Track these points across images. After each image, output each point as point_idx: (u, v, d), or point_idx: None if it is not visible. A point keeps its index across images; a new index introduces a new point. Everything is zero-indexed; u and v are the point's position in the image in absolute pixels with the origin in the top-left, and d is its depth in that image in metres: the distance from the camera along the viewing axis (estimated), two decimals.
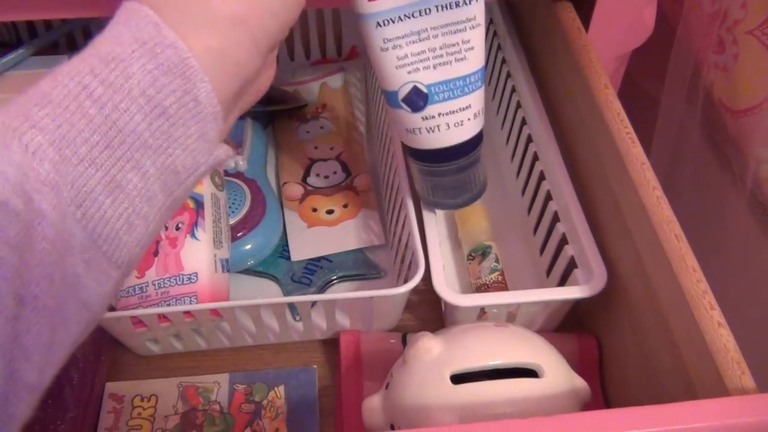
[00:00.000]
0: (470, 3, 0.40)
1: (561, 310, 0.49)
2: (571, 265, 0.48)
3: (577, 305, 0.51)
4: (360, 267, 0.55)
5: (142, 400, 0.49)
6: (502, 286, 0.52)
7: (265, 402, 0.49)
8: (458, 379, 0.39)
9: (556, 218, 0.51)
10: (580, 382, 0.41)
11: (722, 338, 0.35)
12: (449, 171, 0.46)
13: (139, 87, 0.26)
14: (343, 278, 0.54)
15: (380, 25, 0.40)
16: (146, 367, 0.51)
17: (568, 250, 0.48)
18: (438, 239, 0.48)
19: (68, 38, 0.68)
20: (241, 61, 0.30)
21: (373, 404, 0.42)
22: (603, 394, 0.49)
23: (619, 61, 0.63)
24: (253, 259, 0.54)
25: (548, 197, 0.52)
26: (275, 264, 0.55)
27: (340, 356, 0.49)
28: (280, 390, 0.50)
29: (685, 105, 0.70)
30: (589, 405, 0.42)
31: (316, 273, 0.54)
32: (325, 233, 0.56)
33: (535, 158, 0.55)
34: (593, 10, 0.55)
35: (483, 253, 0.53)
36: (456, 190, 0.48)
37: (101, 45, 0.27)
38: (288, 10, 0.31)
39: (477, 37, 0.41)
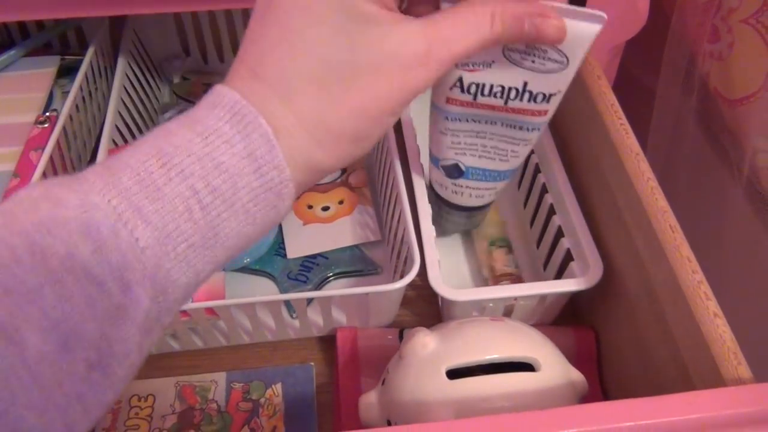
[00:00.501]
0: (531, 131, 0.41)
1: (558, 304, 0.49)
2: (568, 257, 0.48)
3: (574, 298, 0.51)
4: (356, 263, 0.55)
5: (139, 399, 0.49)
6: (519, 279, 0.52)
7: (262, 400, 0.49)
8: (454, 374, 0.39)
9: (552, 211, 0.51)
10: (577, 375, 0.41)
11: (718, 328, 0.35)
12: (462, 214, 0.51)
13: (241, 202, 0.28)
14: (339, 275, 0.54)
15: (448, 119, 0.42)
16: (143, 367, 0.51)
17: (564, 243, 0.48)
18: (433, 234, 0.48)
19: (61, 38, 0.68)
20: (329, 169, 0.32)
21: (370, 400, 0.42)
22: (601, 386, 0.49)
23: (614, 52, 0.63)
24: (249, 257, 0.54)
25: (544, 190, 0.52)
26: (271, 262, 0.55)
27: (337, 353, 0.49)
28: (278, 387, 0.50)
29: (680, 95, 0.70)
30: (587, 398, 0.42)
31: (312, 270, 0.54)
32: (320, 230, 0.56)
33: (531, 151, 0.54)
34: (586, 1, 0.54)
35: (508, 245, 0.54)
36: (466, 222, 0.53)
37: (213, 147, 0.28)
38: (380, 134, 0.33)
39: (525, 151, 0.44)
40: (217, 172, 0.27)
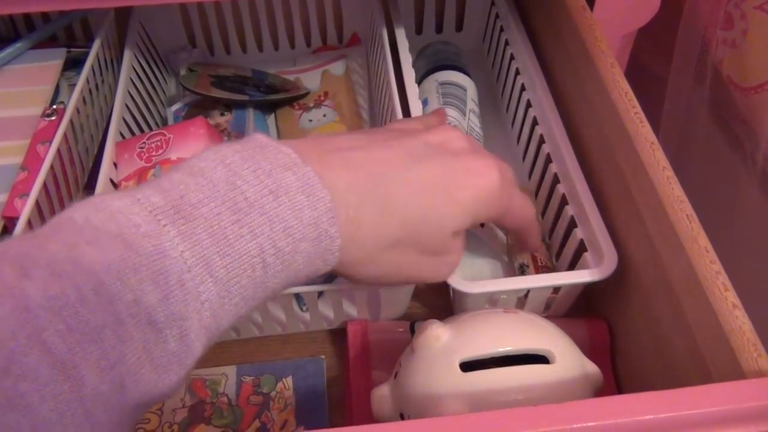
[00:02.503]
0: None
1: (571, 295, 0.48)
2: (581, 248, 0.47)
3: (587, 290, 0.50)
4: None
5: None
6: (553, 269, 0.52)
7: (273, 393, 0.49)
8: (468, 366, 0.38)
9: (564, 201, 0.50)
10: (591, 368, 0.41)
11: (737, 320, 0.35)
12: None
13: (296, 264, 0.30)
14: None
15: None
16: None
17: (578, 233, 0.48)
18: None
19: (67, 31, 0.67)
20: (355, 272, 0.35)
21: (382, 393, 0.41)
22: (615, 379, 0.48)
23: (625, 40, 0.62)
24: None
25: (556, 180, 0.51)
26: None
27: (348, 346, 0.49)
28: (288, 381, 0.49)
29: (693, 83, 0.69)
30: (601, 391, 0.41)
31: None
32: None
33: (542, 141, 0.54)
34: None
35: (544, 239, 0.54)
36: None
37: (285, 208, 0.30)
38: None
39: None
40: (283, 235, 0.29)
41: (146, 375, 0.25)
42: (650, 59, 0.74)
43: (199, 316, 0.26)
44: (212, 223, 0.27)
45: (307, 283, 0.51)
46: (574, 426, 0.30)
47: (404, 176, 0.34)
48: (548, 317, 0.44)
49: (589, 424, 0.30)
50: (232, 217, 0.28)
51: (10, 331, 0.22)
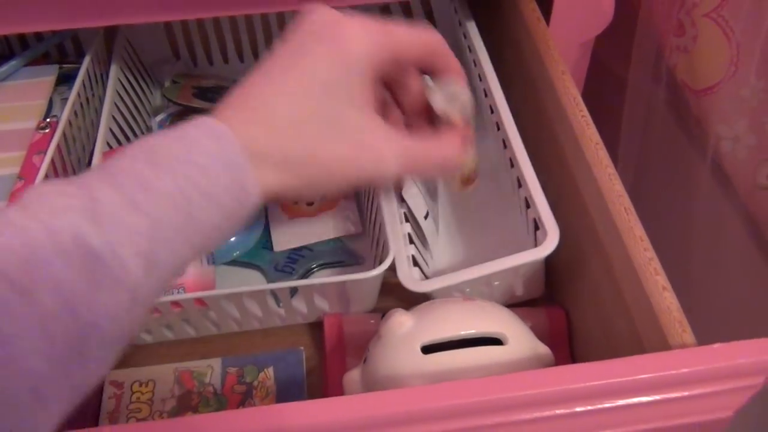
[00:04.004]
0: None
1: (535, 276, 0.52)
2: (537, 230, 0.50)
3: (547, 280, 0.54)
4: (339, 255, 0.58)
5: (140, 385, 0.52)
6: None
7: (255, 383, 0.52)
8: (429, 349, 0.42)
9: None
10: (543, 349, 0.45)
11: (666, 300, 0.39)
12: None
13: (217, 195, 0.33)
14: (323, 266, 0.57)
15: None
16: (144, 355, 0.54)
17: (529, 215, 0.50)
18: (402, 232, 0.51)
19: (58, 48, 0.71)
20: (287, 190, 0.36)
21: (353, 377, 0.45)
22: (573, 361, 0.52)
23: (584, 47, 0.66)
24: (238, 250, 0.57)
25: (517, 184, 0.54)
26: (259, 255, 0.58)
27: (325, 337, 0.52)
28: (270, 371, 0.53)
29: (651, 85, 0.73)
30: None
31: (298, 262, 0.57)
32: (305, 224, 0.59)
33: (503, 147, 0.57)
34: (553, 2, 0.58)
35: None
36: None
37: (195, 153, 0.33)
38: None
39: None
40: (197, 169, 0.32)
41: (90, 296, 0.28)
42: (611, 62, 0.78)
43: (135, 244, 0.30)
44: (131, 172, 0.31)
45: (280, 280, 0.55)
46: (518, 394, 0.34)
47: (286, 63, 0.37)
48: (512, 305, 0.48)
49: (530, 392, 0.34)
50: (149, 165, 0.32)
51: None
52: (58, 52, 0.71)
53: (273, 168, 0.35)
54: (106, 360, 0.30)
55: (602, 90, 0.55)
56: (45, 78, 0.65)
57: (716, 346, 0.35)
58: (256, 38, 0.73)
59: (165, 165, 0.32)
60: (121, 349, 0.31)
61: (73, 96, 0.59)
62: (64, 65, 0.67)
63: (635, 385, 0.35)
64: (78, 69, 0.62)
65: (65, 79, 0.66)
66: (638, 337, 0.41)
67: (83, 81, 0.62)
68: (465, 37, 0.67)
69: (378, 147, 0.38)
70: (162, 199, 0.31)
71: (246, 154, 0.34)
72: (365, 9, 0.45)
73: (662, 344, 0.38)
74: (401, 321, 0.43)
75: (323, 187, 0.38)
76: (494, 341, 0.43)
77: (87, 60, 0.63)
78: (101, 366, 0.30)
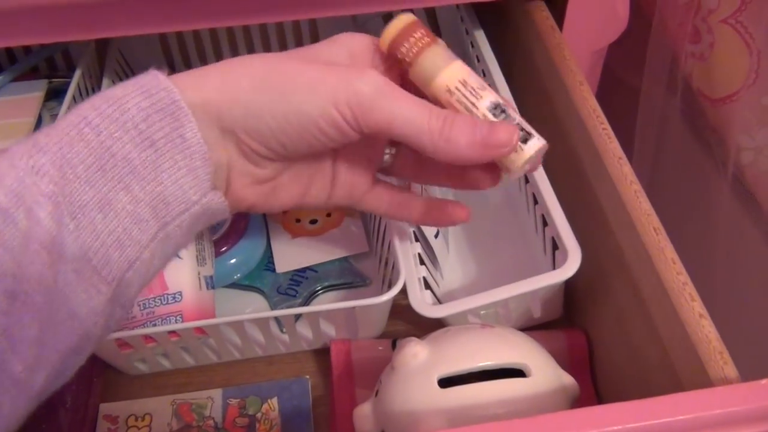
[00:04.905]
0: None
1: (554, 297, 0.49)
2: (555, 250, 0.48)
3: (566, 301, 0.51)
4: (345, 276, 0.55)
5: (136, 419, 0.49)
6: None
7: (259, 415, 0.49)
8: (446, 382, 0.39)
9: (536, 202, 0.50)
10: (568, 379, 0.42)
11: (704, 329, 0.36)
12: None
13: (132, 120, 0.30)
14: (328, 288, 0.55)
15: None
16: (140, 386, 0.51)
17: (547, 233, 0.48)
18: (411, 252, 0.48)
19: (48, 62, 0.68)
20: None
21: (364, 412, 0.42)
22: (595, 389, 0.49)
23: (597, 55, 0.63)
24: (239, 272, 0.54)
25: (534, 200, 0.52)
26: (261, 277, 0.55)
27: (332, 365, 0.50)
28: (274, 402, 0.50)
29: (665, 95, 0.71)
30: (581, 401, 0.42)
31: (301, 284, 0.54)
32: (309, 243, 0.56)
33: None
34: (566, 8, 0.55)
35: None
36: None
37: (107, 90, 0.31)
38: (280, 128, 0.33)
39: None
40: (103, 100, 0.30)
41: (3, 258, 0.26)
42: (624, 71, 0.76)
43: (36, 186, 0.27)
44: (42, 129, 0.30)
45: (285, 305, 0.52)
46: None
47: None
48: (527, 329, 0.45)
49: None
50: (62, 117, 0.30)
51: None
52: (48, 66, 0.68)
53: (217, 92, 0.32)
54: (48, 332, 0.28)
55: (614, 100, 0.53)
56: (34, 93, 0.62)
57: (764, 381, 0.32)
58: (254, 50, 0.70)
59: (74, 112, 0.30)
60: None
61: (63, 112, 0.57)
62: (54, 80, 0.64)
63: (676, 427, 0.32)
64: (68, 83, 0.59)
65: (55, 95, 0.63)
66: (673, 368, 0.38)
67: (74, 96, 0.59)
68: (473, 46, 0.64)
69: (346, 67, 0.34)
70: (63, 133, 0.29)
71: (177, 90, 0.31)
72: (367, 17, 0.42)
73: (701, 378, 0.35)
74: (415, 352, 0.40)
75: (294, 123, 0.33)
76: (516, 372, 0.40)
77: (78, 74, 0.60)
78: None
